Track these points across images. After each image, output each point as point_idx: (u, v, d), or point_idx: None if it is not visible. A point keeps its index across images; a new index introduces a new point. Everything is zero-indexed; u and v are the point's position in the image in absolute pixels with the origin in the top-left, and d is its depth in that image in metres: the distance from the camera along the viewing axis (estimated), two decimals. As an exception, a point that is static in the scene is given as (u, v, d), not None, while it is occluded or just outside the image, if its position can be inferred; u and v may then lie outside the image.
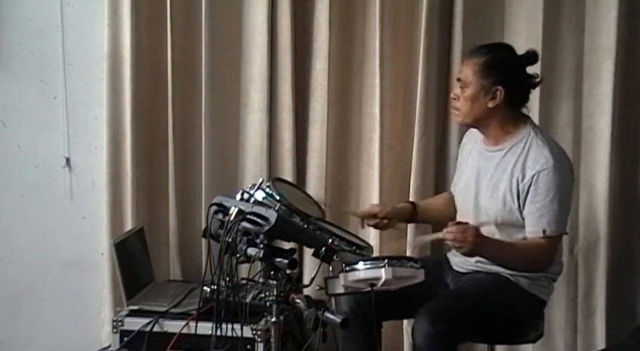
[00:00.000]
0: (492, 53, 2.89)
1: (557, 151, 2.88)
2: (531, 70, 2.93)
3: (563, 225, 2.86)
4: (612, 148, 3.50)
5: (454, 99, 2.94)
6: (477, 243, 2.67)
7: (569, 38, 3.55)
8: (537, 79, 2.93)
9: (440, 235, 2.73)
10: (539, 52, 3.44)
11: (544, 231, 2.80)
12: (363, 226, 3.11)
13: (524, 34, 3.53)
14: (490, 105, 2.86)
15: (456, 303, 2.86)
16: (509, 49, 2.96)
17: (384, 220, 3.04)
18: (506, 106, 2.88)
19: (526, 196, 2.83)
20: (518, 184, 2.84)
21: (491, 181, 2.91)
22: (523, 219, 2.85)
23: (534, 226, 2.81)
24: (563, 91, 3.57)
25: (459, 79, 2.92)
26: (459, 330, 2.76)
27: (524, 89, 2.92)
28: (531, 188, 2.81)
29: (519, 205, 2.84)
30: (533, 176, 2.81)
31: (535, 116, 3.44)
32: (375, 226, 3.09)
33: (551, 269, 2.96)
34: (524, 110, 2.96)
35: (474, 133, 3.07)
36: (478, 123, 2.93)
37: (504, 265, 2.86)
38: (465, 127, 3.11)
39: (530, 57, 2.92)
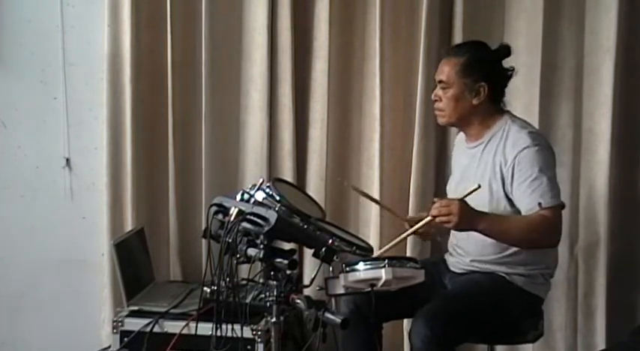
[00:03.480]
0: (471, 52, 2.95)
1: (535, 133, 2.92)
2: (506, 62, 2.99)
3: (557, 196, 2.84)
4: (612, 149, 3.50)
5: (436, 100, 2.99)
6: (463, 215, 2.66)
7: (569, 38, 3.56)
8: (511, 71, 2.99)
9: (428, 218, 2.73)
10: (540, 52, 3.47)
11: (539, 204, 2.78)
12: (418, 235, 3.01)
13: (524, 34, 3.53)
14: (475, 102, 2.92)
15: (452, 305, 2.85)
16: (485, 46, 3.02)
17: (432, 229, 3.01)
18: (489, 101, 2.94)
19: (512, 180, 2.84)
20: (501, 170, 2.87)
21: (477, 175, 2.93)
22: (512, 207, 2.84)
23: (529, 204, 2.80)
24: (563, 92, 3.58)
25: (440, 81, 2.96)
26: (456, 332, 2.76)
27: (504, 82, 2.99)
28: (516, 170, 2.83)
29: (505, 192, 2.86)
30: (515, 158, 2.84)
31: (535, 116, 3.46)
32: (421, 235, 3.05)
33: (546, 264, 2.96)
34: (502, 105, 3.00)
35: (459, 137, 3.13)
36: (462, 121, 2.99)
37: (508, 240, 2.82)
38: (451, 127, 3.13)
39: (504, 50, 2.99)
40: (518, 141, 2.86)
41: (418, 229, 2.84)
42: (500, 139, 2.91)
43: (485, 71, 2.92)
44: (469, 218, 2.69)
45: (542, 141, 2.91)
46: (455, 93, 2.92)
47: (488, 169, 2.91)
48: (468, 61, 2.92)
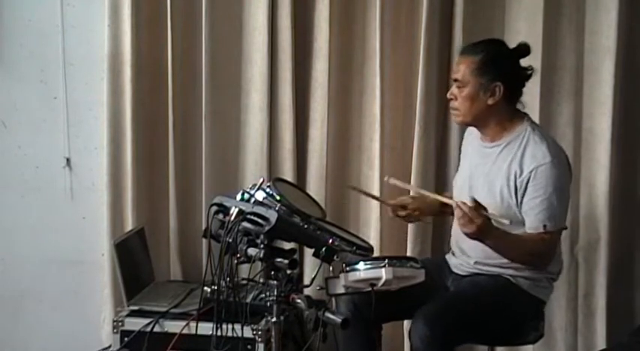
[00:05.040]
0: (487, 50, 2.90)
1: (554, 147, 2.88)
2: (524, 61, 2.93)
3: (563, 220, 2.87)
4: (612, 149, 3.50)
5: (451, 99, 2.94)
6: (479, 231, 2.66)
7: (569, 38, 3.55)
8: (530, 71, 2.93)
9: (451, 202, 2.73)
10: (539, 52, 3.47)
11: (544, 226, 2.79)
12: (394, 215, 3.07)
13: (524, 34, 3.52)
14: (490, 102, 2.87)
15: (453, 305, 2.85)
16: (502, 44, 2.98)
17: (415, 212, 3.05)
18: (505, 101, 2.89)
19: (524, 192, 2.83)
20: (515, 180, 2.84)
21: (488, 178, 2.91)
22: (521, 215, 2.84)
23: (534, 222, 2.81)
24: (563, 91, 3.58)
25: (455, 79, 2.92)
26: (456, 332, 2.75)
27: (521, 82, 2.94)
28: (530, 184, 2.81)
29: (517, 201, 2.84)
30: (531, 172, 2.81)
31: (535, 116, 3.45)
32: (404, 218, 3.07)
33: (552, 269, 2.95)
34: (520, 106, 2.96)
35: (472, 130, 3.08)
36: (478, 121, 2.94)
37: (507, 256, 2.83)
38: (464, 126, 3.11)
39: (523, 49, 2.93)
40: (537, 154, 2.82)
41: (440, 201, 2.91)
42: (518, 147, 2.87)
43: (501, 70, 2.86)
44: (482, 235, 2.69)
45: (562, 157, 2.88)
46: (470, 92, 2.87)
47: (502, 175, 2.87)
48: (484, 59, 2.86)
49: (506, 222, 2.71)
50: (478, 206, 2.68)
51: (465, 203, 2.67)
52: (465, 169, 3.05)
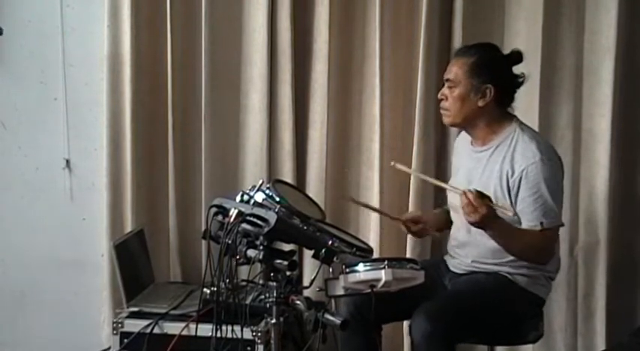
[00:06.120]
0: (481, 53, 2.92)
1: (544, 145, 2.89)
2: (516, 69, 2.95)
3: (559, 216, 2.87)
4: (612, 149, 3.50)
5: (442, 99, 2.96)
6: (483, 220, 2.65)
7: (569, 38, 3.55)
8: (522, 79, 2.95)
9: (458, 191, 2.72)
10: (539, 52, 3.47)
11: (541, 223, 2.79)
12: (408, 232, 3.10)
13: (524, 34, 3.53)
14: (480, 104, 2.89)
15: (453, 302, 2.86)
16: (496, 48, 3.00)
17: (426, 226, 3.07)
18: (495, 105, 2.91)
19: (517, 192, 2.83)
20: (508, 180, 2.85)
21: (481, 182, 2.91)
22: (514, 215, 2.84)
23: (531, 221, 2.81)
24: (563, 92, 3.57)
25: (447, 79, 2.93)
26: (456, 328, 2.76)
27: (512, 88, 2.95)
28: (522, 183, 2.82)
29: (511, 202, 2.84)
30: (522, 171, 2.82)
31: (535, 116, 3.46)
32: (415, 233, 3.10)
33: (549, 267, 2.96)
34: (510, 110, 2.97)
35: (464, 136, 3.09)
36: (467, 123, 2.96)
37: (508, 248, 2.82)
38: (455, 128, 3.11)
39: (516, 57, 2.95)
40: (527, 153, 2.83)
41: (449, 189, 2.92)
42: (508, 148, 2.88)
43: (492, 73, 2.88)
44: (486, 224, 2.69)
45: (552, 154, 2.89)
46: (461, 93, 2.89)
47: (494, 177, 2.88)
48: (476, 61, 2.88)
49: (510, 214, 2.72)
50: (482, 196, 2.69)
51: (470, 191, 2.67)
52: (460, 178, 3.05)
